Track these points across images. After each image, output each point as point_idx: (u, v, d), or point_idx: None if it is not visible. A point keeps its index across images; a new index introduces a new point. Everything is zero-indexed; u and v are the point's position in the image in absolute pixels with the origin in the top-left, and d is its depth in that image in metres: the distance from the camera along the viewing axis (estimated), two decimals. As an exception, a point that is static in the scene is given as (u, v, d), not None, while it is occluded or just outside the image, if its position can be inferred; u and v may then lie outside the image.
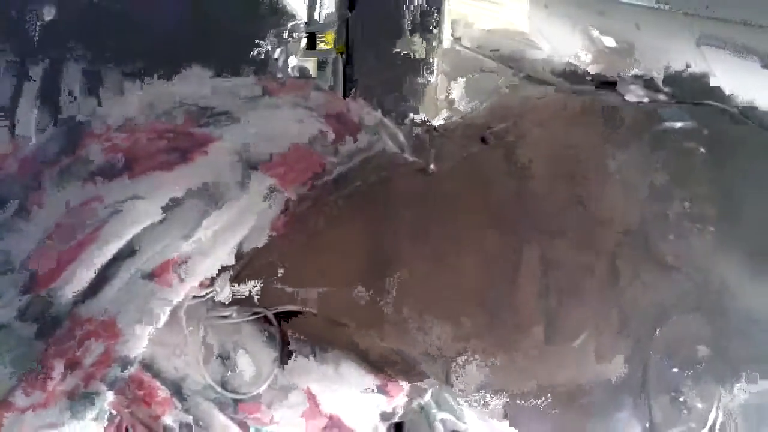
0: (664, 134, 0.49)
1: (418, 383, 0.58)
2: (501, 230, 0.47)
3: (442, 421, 0.74)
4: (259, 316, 0.48)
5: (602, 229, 0.47)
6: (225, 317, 0.48)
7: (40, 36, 0.54)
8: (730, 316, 0.48)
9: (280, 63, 0.61)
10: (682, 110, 0.54)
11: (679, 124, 0.50)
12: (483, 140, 0.57)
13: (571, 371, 0.47)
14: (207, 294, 0.47)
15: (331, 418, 0.52)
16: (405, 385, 0.57)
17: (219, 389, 0.47)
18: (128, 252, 0.45)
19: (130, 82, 0.55)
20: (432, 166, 0.56)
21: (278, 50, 0.61)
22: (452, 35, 1.94)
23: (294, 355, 0.51)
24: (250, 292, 0.49)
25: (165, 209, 0.46)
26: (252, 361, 0.49)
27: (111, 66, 0.56)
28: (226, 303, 0.49)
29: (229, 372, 0.48)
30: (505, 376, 0.50)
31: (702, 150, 0.49)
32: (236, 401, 0.49)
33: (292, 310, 0.49)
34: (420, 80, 1.01)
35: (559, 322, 0.45)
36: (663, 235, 0.46)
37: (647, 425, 0.48)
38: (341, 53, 1.50)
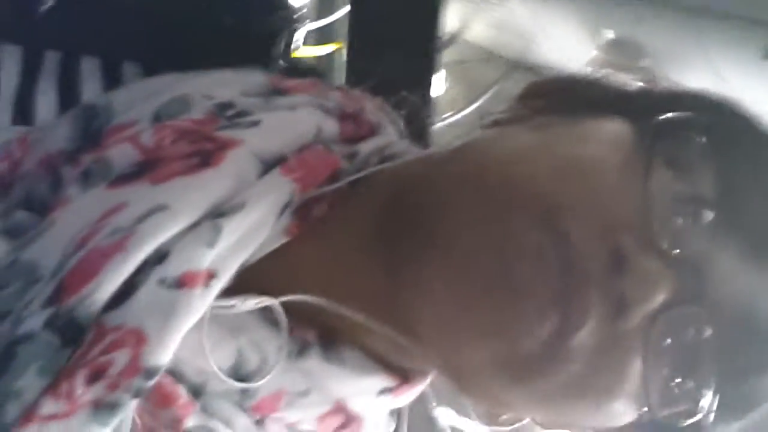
0: (661, 124, 0.49)
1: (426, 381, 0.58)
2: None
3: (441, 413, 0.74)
4: (264, 304, 0.48)
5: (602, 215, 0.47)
6: (230, 307, 0.47)
7: (52, 27, 0.54)
8: (730, 308, 0.48)
9: (285, 53, 0.61)
10: (679, 100, 0.53)
11: (677, 114, 0.50)
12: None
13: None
14: (231, 305, 0.48)
15: (336, 403, 0.52)
16: (416, 387, 0.57)
17: (225, 378, 0.47)
18: (155, 260, 0.44)
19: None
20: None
21: (282, 43, 0.61)
22: (454, 29, 1.94)
23: (308, 351, 0.50)
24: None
25: (190, 216, 0.46)
26: (258, 349, 0.48)
27: (128, 60, 0.55)
28: (248, 311, 0.49)
29: (235, 361, 0.48)
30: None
31: (702, 139, 0.48)
32: (251, 396, 0.49)
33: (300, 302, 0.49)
34: (423, 73, 1.01)
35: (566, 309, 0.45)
36: (663, 224, 0.46)
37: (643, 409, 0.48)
38: (341, 47, 1.50)
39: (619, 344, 0.45)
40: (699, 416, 0.47)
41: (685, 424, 0.47)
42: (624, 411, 0.48)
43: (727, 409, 0.48)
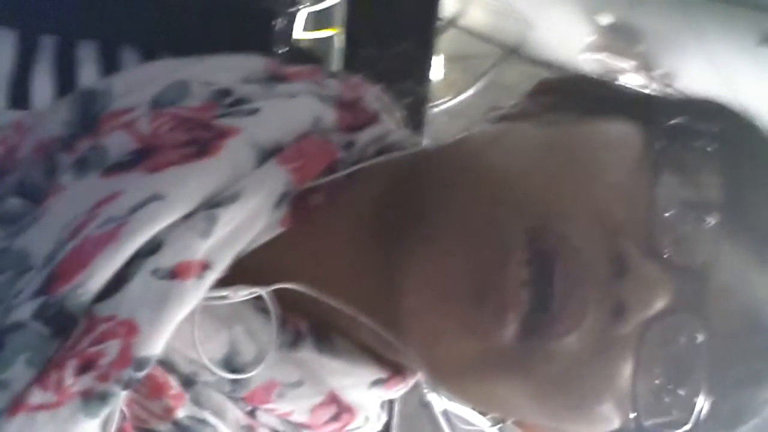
0: (670, 129, 0.48)
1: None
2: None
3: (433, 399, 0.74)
4: (256, 294, 0.48)
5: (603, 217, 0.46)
6: (222, 297, 0.47)
7: (49, 11, 0.53)
8: (728, 318, 0.48)
9: (284, 38, 0.61)
10: (689, 106, 0.53)
11: (687, 120, 0.49)
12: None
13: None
14: (223, 294, 0.47)
15: (328, 394, 0.52)
16: (408, 379, 0.57)
17: (215, 369, 0.46)
18: (148, 250, 0.44)
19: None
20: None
21: (282, 25, 0.61)
22: (452, 16, 1.94)
23: (301, 342, 0.50)
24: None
25: (186, 206, 0.45)
26: (252, 340, 0.48)
27: (125, 44, 0.54)
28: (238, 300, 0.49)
29: (228, 352, 0.47)
30: None
31: (711, 147, 0.48)
32: (243, 387, 0.49)
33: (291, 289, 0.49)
34: (419, 60, 1.00)
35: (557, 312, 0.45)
36: (665, 229, 0.46)
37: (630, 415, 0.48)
38: (338, 33, 1.49)
39: (611, 348, 0.45)
40: (688, 427, 0.46)
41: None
42: (609, 417, 0.47)
43: (717, 421, 0.47)
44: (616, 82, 0.58)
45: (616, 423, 0.48)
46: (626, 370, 0.46)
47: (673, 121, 0.48)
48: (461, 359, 0.46)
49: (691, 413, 0.46)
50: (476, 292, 0.44)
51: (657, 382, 0.46)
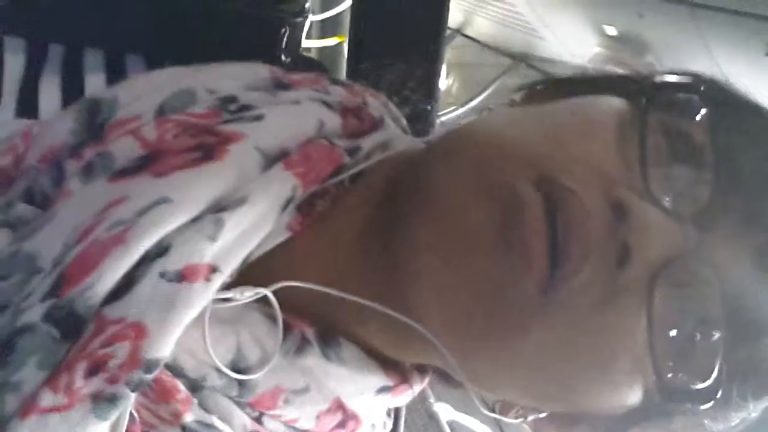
0: (655, 87, 0.50)
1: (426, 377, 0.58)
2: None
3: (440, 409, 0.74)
4: (260, 295, 0.48)
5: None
6: (228, 300, 0.47)
7: (56, 20, 0.53)
8: (735, 268, 0.48)
9: (289, 47, 0.61)
10: (671, 74, 0.55)
11: (670, 79, 0.51)
12: None
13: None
14: (229, 297, 0.47)
15: (335, 401, 0.52)
16: (414, 387, 0.57)
17: (226, 370, 0.47)
18: (156, 253, 0.44)
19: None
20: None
21: (285, 35, 0.61)
22: (458, 25, 1.94)
23: (307, 349, 0.50)
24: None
25: (192, 210, 0.46)
26: (257, 344, 0.48)
27: (131, 53, 0.54)
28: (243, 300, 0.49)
29: (234, 356, 0.47)
30: None
31: (695, 99, 0.49)
32: (250, 392, 0.49)
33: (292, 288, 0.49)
34: (426, 69, 1.01)
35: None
36: (661, 181, 0.47)
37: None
38: (344, 41, 1.50)
39: (620, 295, 0.46)
40: (710, 381, 0.47)
41: (697, 387, 0.47)
42: (628, 382, 0.48)
43: (739, 379, 0.48)
44: (597, 69, 0.60)
45: (638, 389, 0.48)
46: (640, 323, 0.46)
47: (653, 82, 0.51)
48: (481, 320, 0.46)
49: (711, 367, 0.46)
50: (497, 243, 0.45)
51: (672, 335, 0.46)
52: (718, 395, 0.47)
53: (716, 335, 0.46)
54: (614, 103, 0.51)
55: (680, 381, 0.47)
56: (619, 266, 0.45)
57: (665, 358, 0.46)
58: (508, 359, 0.48)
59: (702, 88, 0.51)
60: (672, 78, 0.52)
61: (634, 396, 0.48)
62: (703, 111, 0.49)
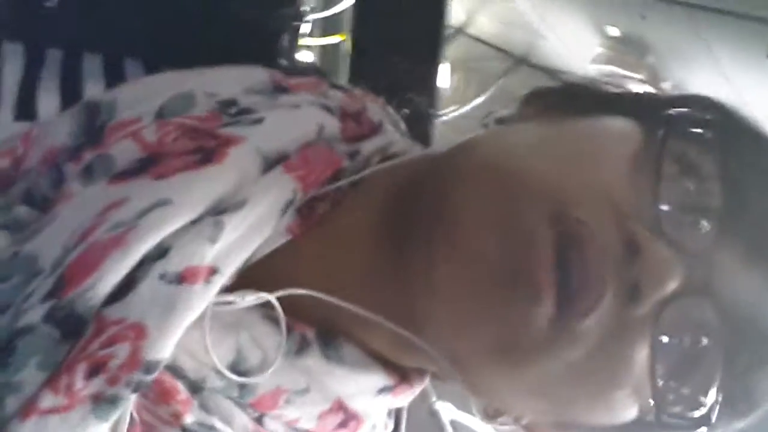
0: (669, 118, 0.50)
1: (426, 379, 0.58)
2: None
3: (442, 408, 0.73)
4: (263, 300, 0.48)
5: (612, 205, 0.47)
6: (229, 303, 0.47)
7: (55, 25, 0.53)
8: (738, 302, 0.48)
9: (287, 51, 0.60)
10: (684, 100, 0.54)
11: (685, 110, 0.51)
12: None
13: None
14: (230, 301, 0.47)
15: (335, 401, 0.52)
16: (415, 387, 0.57)
17: (228, 373, 0.46)
18: (156, 255, 0.44)
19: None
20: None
21: (285, 37, 0.60)
22: (460, 24, 1.94)
23: (308, 349, 0.50)
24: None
25: (192, 212, 0.46)
26: (258, 346, 0.48)
27: (129, 57, 0.54)
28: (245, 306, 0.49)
29: (234, 358, 0.47)
30: None
31: (708, 134, 0.49)
32: (250, 393, 0.49)
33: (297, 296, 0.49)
34: (427, 67, 1.00)
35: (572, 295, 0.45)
36: (672, 216, 0.47)
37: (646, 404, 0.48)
38: (345, 39, 1.50)
39: (628, 331, 0.46)
40: (703, 410, 0.47)
41: (690, 417, 0.47)
42: (626, 404, 0.48)
43: (731, 406, 0.48)
44: (607, 85, 0.60)
45: (634, 411, 0.48)
46: (643, 354, 0.46)
47: (668, 113, 0.50)
48: (489, 345, 0.47)
49: (706, 395, 0.47)
50: (507, 275, 0.45)
51: (672, 365, 0.47)
52: (711, 421, 0.48)
53: (714, 364, 0.47)
54: (628, 129, 0.50)
55: (676, 409, 0.47)
56: (628, 302, 0.45)
57: (664, 384, 0.47)
58: (511, 381, 0.49)
59: (717, 117, 0.50)
60: (687, 104, 0.52)
61: (629, 414, 0.49)
62: (716, 142, 0.49)
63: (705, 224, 0.47)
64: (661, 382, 0.47)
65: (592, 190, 0.46)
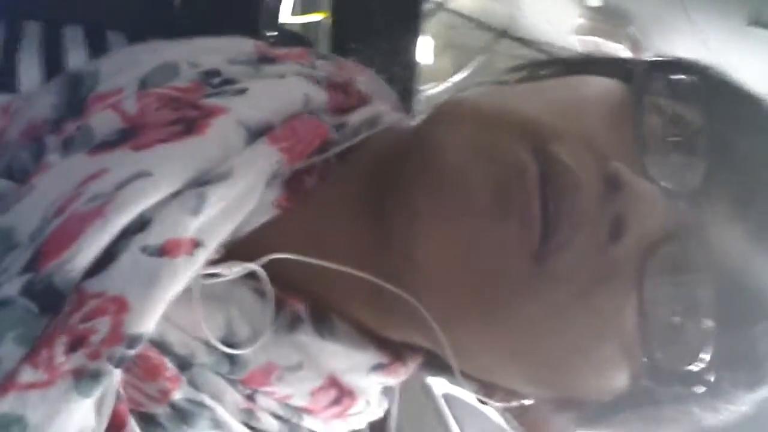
0: (650, 67, 0.50)
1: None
2: None
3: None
4: (249, 270, 0.47)
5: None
6: (215, 275, 0.47)
7: None
8: (727, 251, 0.48)
9: (271, 22, 0.60)
10: (664, 56, 0.55)
11: (667, 64, 0.51)
12: None
13: None
14: (218, 273, 0.47)
15: (328, 377, 0.51)
16: (408, 366, 0.57)
17: (220, 345, 0.46)
18: (137, 227, 0.43)
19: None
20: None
21: (264, 7, 0.60)
22: (439, -1, 1.93)
23: (300, 325, 0.50)
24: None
25: (173, 183, 0.45)
26: (248, 320, 0.48)
27: (111, 29, 0.53)
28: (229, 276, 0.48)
29: (224, 333, 0.47)
30: None
31: (691, 79, 0.49)
32: (241, 369, 0.48)
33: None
34: (406, 42, 1.00)
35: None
36: (656, 159, 0.47)
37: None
38: (326, 17, 1.48)
39: (612, 273, 0.45)
40: (701, 365, 0.46)
41: (686, 369, 0.46)
42: (615, 364, 0.47)
43: (729, 361, 0.47)
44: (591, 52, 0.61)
45: (625, 371, 0.48)
46: (631, 302, 0.46)
47: (649, 68, 0.51)
48: (473, 284, 0.46)
49: (701, 351, 0.46)
50: (495, 205, 0.44)
51: (662, 316, 0.46)
52: (708, 380, 0.47)
53: (707, 318, 0.46)
54: (610, 84, 0.51)
55: (670, 362, 0.46)
56: (611, 240, 0.44)
57: (655, 339, 0.46)
58: (495, 332, 0.48)
59: (698, 73, 0.51)
60: (668, 61, 0.52)
61: (621, 379, 0.48)
62: (699, 94, 0.49)
63: (690, 170, 0.47)
64: (650, 334, 0.46)
65: (574, 131, 0.46)
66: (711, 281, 0.46)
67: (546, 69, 0.57)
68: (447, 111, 0.51)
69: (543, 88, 0.52)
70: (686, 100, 0.48)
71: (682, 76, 0.49)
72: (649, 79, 0.49)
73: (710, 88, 0.50)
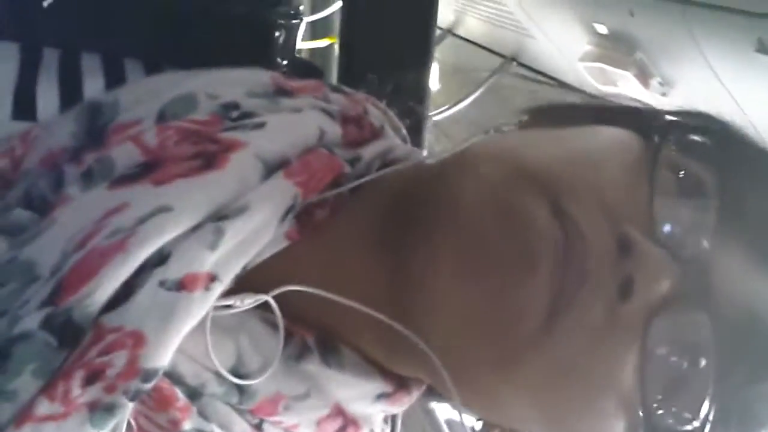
0: (666, 126, 0.50)
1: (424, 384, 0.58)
2: None
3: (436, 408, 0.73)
4: (261, 301, 0.48)
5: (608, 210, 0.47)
6: (228, 307, 0.47)
7: (52, 24, 0.53)
8: (733, 312, 0.48)
9: (287, 49, 0.60)
10: (681, 112, 0.55)
11: (683, 121, 0.52)
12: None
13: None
14: (229, 304, 0.47)
15: (334, 406, 0.51)
16: (412, 394, 0.57)
17: (231, 377, 0.46)
18: (156, 262, 0.44)
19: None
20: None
21: (281, 37, 0.60)
22: (449, 25, 1.94)
23: (308, 355, 0.50)
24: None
25: (193, 218, 0.45)
26: (257, 351, 0.48)
27: (128, 57, 0.54)
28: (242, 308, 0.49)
29: (234, 363, 0.47)
30: None
31: (706, 142, 0.50)
32: (250, 399, 0.49)
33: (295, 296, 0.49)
34: (416, 68, 1.00)
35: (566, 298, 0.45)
36: (668, 222, 0.47)
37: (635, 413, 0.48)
38: (336, 42, 1.49)
39: (617, 329, 0.45)
40: (696, 424, 0.47)
41: (681, 429, 0.47)
42: (613, 415, 0.47)
43: (725, 420, 0.48)
44: (608, 100, 0.61)
45: (623, 422, 0.48)
46: (632, 359, 0.46)
47: (666, 123, 0.51)
48: (490, 335, 0.46)
49: (699, 409, 0.46)
50: (517, 267, 0.45)
51: (663, 378, 0.46)
52: None
53: (706, 378, 0.47)
54: (627, 138, 0.51)
55: (667, 422, 0.47)
56: (620, 299, 0.45)
57: (653, 396, 0.46)
58: (502, 382, 0.48)
59: (717, 131, 0.51)
60: (686, 116, 0.53)
61: (618, 427, 0.48)
62: (716, 155, 0.49)
63: (701, 233, 0.47)
64: (649, 391, 0.46)
65: (588, 188, 0.46)
66: (710, 344, 0.46)
67: (565, 113, 0.57)
68: (471, 157, 0.51)
69: (562, 138, 0.52)
70: (703, 160, 0.49)
71: (699, 134, 0.49)
72: (666, 136, 0.49)
73: (727, 148, 0.50)
